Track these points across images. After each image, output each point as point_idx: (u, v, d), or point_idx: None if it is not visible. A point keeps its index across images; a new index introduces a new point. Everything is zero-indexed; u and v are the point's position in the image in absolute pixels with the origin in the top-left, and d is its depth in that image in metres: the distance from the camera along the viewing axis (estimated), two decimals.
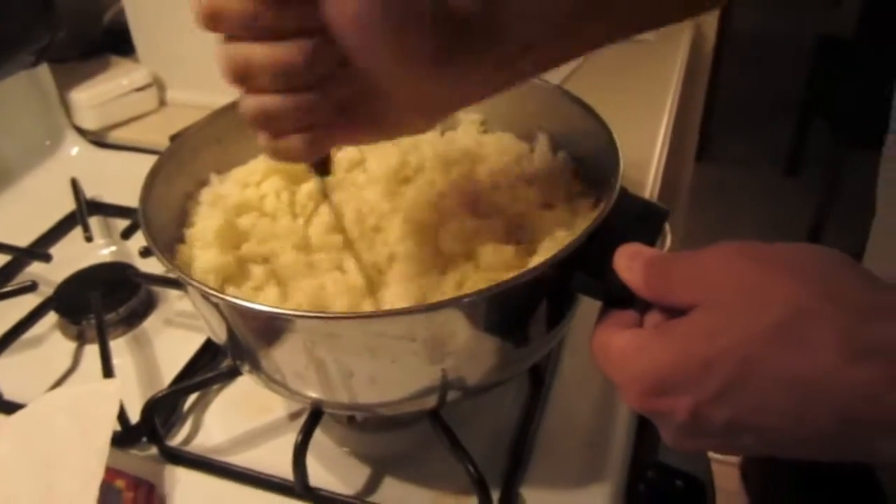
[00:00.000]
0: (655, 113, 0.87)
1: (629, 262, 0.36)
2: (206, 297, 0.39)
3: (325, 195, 0.47)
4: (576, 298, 0.44)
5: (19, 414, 0.46)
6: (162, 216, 0.47)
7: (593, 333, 0.36)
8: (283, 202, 0.50)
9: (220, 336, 0.43)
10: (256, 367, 0.43)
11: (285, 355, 0.41)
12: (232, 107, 0.54)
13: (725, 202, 2.47)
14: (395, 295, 0.43)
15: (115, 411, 0.44)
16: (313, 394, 0.43)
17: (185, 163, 0.51)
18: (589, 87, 0.89)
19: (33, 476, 0.42)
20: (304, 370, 0.41)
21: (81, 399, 0.45)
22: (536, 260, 0.44)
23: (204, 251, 0.45)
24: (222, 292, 0.41)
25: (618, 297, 0.37)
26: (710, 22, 1.13)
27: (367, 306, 0.43)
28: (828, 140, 2.09)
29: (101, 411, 0.44)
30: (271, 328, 0.39)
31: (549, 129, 0.53)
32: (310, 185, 0.50)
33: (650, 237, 0.39)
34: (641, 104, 0.88)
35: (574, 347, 0.57)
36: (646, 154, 0.79)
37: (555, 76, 0.88)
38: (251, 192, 0.51)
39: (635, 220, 0.40)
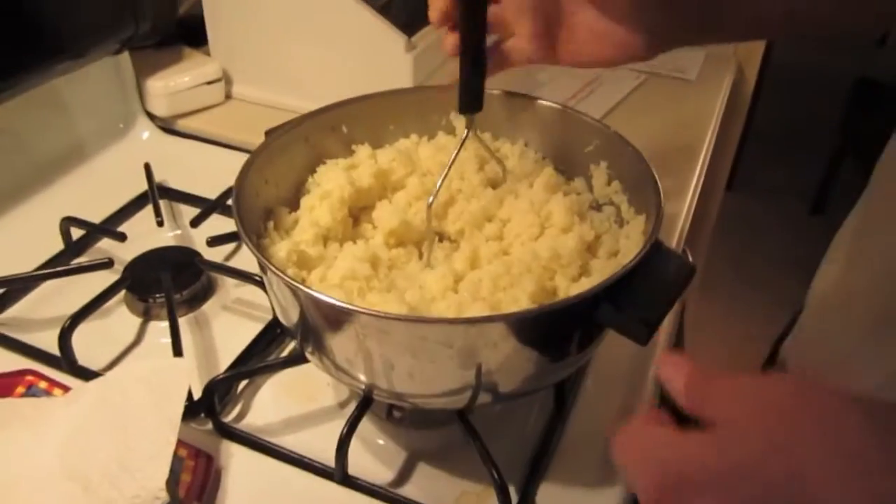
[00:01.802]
0: (694, 149, 0.91)
1: (672, 373, 0.36)
2: (287, 286, 0.44)
3: (468, 127, 0.55)
4: (602, 327, 0.49)
5: (99, 380, 0.52)
6: (249, 205, 0.52)
7: (626, 425, 0.35)
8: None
9: (291, 319, 0.48)
10: (319, 349, 0.48)
11: (341, 342, 0.46)
12: (319, 111, 0.59)
13: (748, 233, 2.50)
14: (446, 307, 0.48)
15: (186, 387, 0.49)
16: (361, 377, 0.48)
17: (274, 156, 0.56)
18: (634, 122, 0.94)
19: (112, 436, 0.47)
20: (354, 357, 0.46)
21: (157, 373, 0.50)
22: (580, 284, 0.50)
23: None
24: (299, 280, 0.47)
25: (635, 334, 0.43)
26: (752, 63, 1.17)
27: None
28: (857, 182, 2.10)
29: (173, 386, 0.49)
30: (333, 317, 0.44)
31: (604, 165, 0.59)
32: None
33: (677, 288, 0.44)
34: (682, 139, 0.92)
35: (598, 369, 0.61)
36: (682, 187, 0.84)
37: (599, 110, 0.93)
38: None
39: (666, 270, 0.45)
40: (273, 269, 0.44)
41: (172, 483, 0.46)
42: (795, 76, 3.15)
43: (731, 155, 1.28)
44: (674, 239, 0.77)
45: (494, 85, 0.53)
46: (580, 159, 0.60)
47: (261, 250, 0.47)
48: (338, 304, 0.42)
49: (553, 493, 0.53)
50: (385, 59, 0.85)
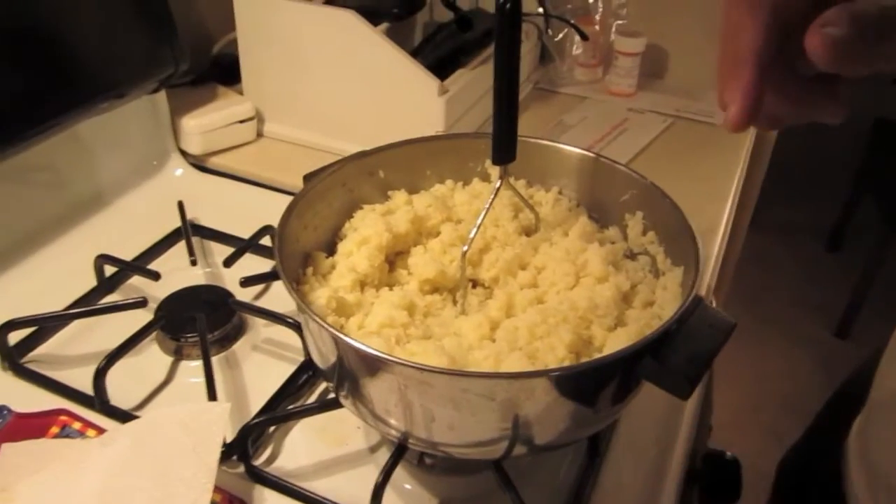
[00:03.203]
0: (721, 193, 0.92)
1: None
2: (330, 335, 0.44)
3: (501, 177, 0.55)
4: (640, 380, 0.49)
5: (136, 422, 0.52)
6: (289, 250, 0.53)
7: None
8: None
9: (329, 365, 0.48)
10: (356, 396, 0.48)
11: (381, 391, 0.46)
12: (357, 156, 0.60)
13: (764, 271, 2.49)
14: (484, 357, 0.48)
15: (223, 432, 0.49)
16: (399, 426, 0.48)
17: (313, 201, 0.57)
18: (662, 165, 0.95)
19: (151, 481, 0.47)
20: (393, 407, 0.46)
21: (194, 417, 0.50)
22: (616, 334, 0.50)
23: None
24: (337, 326, 0.47)
25: (676, 389, 0.43)
26: None
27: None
28: (875, 221, 2.10)
29: (211, 430, 0.49)
30: (374, 367, 0.44)
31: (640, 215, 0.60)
32: None
33: (718, 344, 0.44)
34: (709, 183, 0.93)
35: (631, 420, 0.61)
36: (711, 232, 0.84)
37: (627, 153, 0.94)
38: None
39: (706, 326, 0.45)
40: (316, 318, 0.44)
41: None
42: None
43: (755, 197, 1.28)
44: (704, 284, 0.77)
45: (524, 128, 0.53)
46: (615, 208, 0.61)
47: (300, 296, 0.47)
48: (383, 356, 0.42)
49: None
50: (418, 102, 0.86)
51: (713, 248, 0.82)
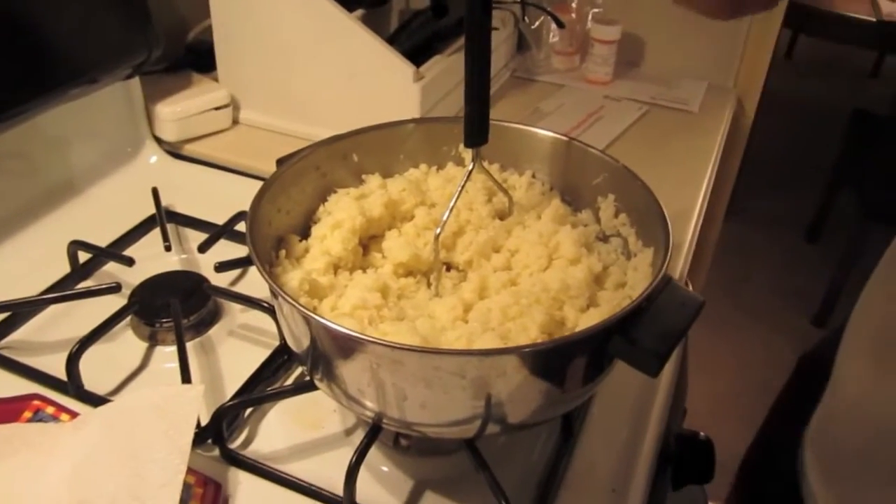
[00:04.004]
0: (696, 179, 0.92)
1: None
2: (302, 315, 0.44)
3: (473, 159, 0.55)
4: (612, 358, 0.50)
5: (108, 406, 0.52)
6: (261, 234, 0.52)
7: None
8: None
9: (302, 347, 0.49)
10: (330, 378, 0.48)
11: (354, 372, 0.46)
12: (330, 140, 0.60)
13: (744, 260, 2.52)
14: (456, 338, 0.49)
15: (196, 414, 0.50)
16: (372, 406, 0.48)
17: (286, 185, 0.57)
18: (637, 152, 0.96)
19: (122, 464, 0.47)
20: (366, 387, 0.46)
21: (167, 399, 0.50)
22: (589, 315, 0.51)
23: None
24: (310, 308, 0.47)
25: (646, 367, 0.44)
26: (751, 96, 1.19)
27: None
28: (853, 212, 2.13)
29: (184, 413, 0.49)
30: (346, 347, 0.45)
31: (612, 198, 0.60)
32: None
33: (687, 322, 0.45)
34: (684, 170, 0.94)
35: (604, 398, 0.62)
36: (684, 216, 0.85)
37: (603, 139, 0.94)
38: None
39: (676, 304, 0.46)
40: (287, 298, 0.44)
41: None
42: (793, 105, 3.20)
43: (730, 185, 1.29)
44: (678, 268, 0.78)
45: (501, 115, 0.53)
46: (587, 191, 0.61)
47: (273, 278, 0.47)
48: (354, 334, 0.42)
49: None
50: (393, 89, 0.86)
51: (686, 232, 0.82)
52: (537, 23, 1.15)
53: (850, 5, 2.51)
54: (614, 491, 0.55)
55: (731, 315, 2.27)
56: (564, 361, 0.46)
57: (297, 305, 0.44)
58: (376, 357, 0.43)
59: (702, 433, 0.73)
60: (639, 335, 0.45)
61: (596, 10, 1.16)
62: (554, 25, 1.12)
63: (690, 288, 0.94)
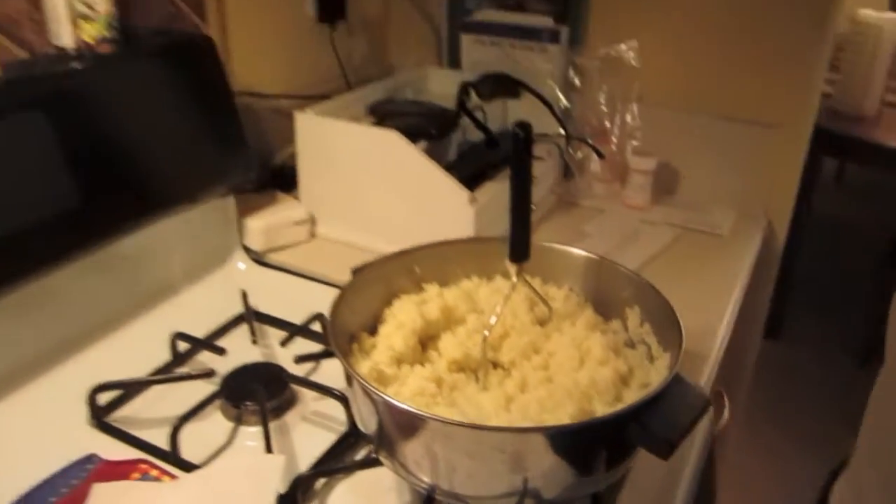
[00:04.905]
0: (724, 295, 1.01)
1: None
2: (370, 394, 0.54)
3: (518, 276, 0.65)
4: (632, 448, 0.58)
5: (205, 469, 0.62)
6: (338, 330, 0.63)
7: None
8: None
9: (369, 425, 0.58)
10: (391, 452, 0.58)
11: (412, 445, 0.55)
12: (398, 254, 0.72)
13: (793, 384, 2.50)
14: (498, 423, 0.58)
15: (278, 478, 0.59)
16: (426, 479, 0.57)
17: (359, 290, 0.69)
18: (670, 272, 1.05)
19: None
20: (421, 458, 0.56)
21: (253, 465, 0.60)
22: (614, 409, 0.59)
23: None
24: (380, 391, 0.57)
25: (658, 451, 0.52)
26: (782, 219, 1.27)
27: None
28: None
29: (267, 478, 0.59)
30: (406, 422, 0.54)
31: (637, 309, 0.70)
32: None
33: (695, 413, 0.53)
34: (714, 288, 1.02)
35: (634, 484, 0.68)
36: (710, 330, 0.93)
37: (636, 260, 1.04)
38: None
39: (685, 398, 0.54)
40: (359, 378, 0.55)
41: None
42: (842, 228, 3.23)
43: (765, 304, 1.36)
44: (703, 376, 0.86)
45: (547, 236, 0.64)
46: (616, 303, 0.71)
47: (349, 364, 0.58)
48: (412, 410, 0.52)
49: None
50: (451, 211, 0.99)
51: (713, 344, 0.90)
52: (580, 153, 1.29)
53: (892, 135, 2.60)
54: None
55: (778, 442, 2.23)
56: (587, 444, 0.54)
57: (369, 386, 0.54)
58: (431, 432, 0.53)
59: None
60: (652, 424, 0.53)
61: (634, 142, 1.28)
62: (595, 156, 1.25)
63: (727, 402, 1.02)
